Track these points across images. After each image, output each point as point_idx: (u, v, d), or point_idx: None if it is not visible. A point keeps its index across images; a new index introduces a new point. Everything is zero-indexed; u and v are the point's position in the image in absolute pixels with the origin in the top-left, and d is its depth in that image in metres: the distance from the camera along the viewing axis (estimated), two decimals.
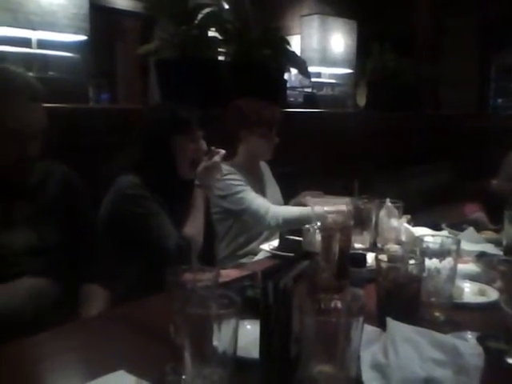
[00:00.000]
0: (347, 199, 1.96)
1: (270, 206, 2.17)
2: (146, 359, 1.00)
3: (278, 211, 2.17)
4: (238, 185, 2.20)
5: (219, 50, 2.94)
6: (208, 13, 2.83)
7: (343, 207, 1.91)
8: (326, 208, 2.02)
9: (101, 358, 1.00)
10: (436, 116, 4.81)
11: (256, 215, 2.16)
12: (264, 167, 2.49)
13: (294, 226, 2.13)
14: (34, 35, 2.31)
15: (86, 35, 2.40)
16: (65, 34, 2.35)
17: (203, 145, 1.85)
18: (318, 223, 1.39)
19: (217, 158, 1.84)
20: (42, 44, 2.37)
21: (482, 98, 5.49)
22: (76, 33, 2.35)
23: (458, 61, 5.19)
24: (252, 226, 2.20)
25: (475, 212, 2.48)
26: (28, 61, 2.36)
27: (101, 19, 3.87)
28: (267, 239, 2.09)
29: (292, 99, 4.84)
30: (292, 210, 2.19)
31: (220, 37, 2.91)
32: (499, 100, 5.71)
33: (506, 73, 5.64)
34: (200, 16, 2.76)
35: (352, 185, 2.08)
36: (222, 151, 1.87)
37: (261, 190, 2.37)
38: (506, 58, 5.53)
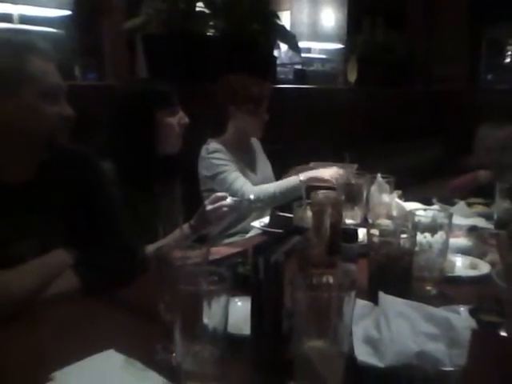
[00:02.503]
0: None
1: (247, 189, 2.12)
2: (135, 338, 0.99)
3: (254, 191, 2.11)
4: (222, 164, 2.16)
5: (207, 24, 2.88)
6: None
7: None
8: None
9: (89, 338, 0.99)
10: (427, 91, 4.78)
11: (235, 196, 2.13)
12: (256, 144, 2.46)
13: (271, 204, 2.12)
14: (16, 10, 2.25)
15: (69, 10, 2.34)
16: (47, 9, 2.29)
17: (184, 118, 1.79)
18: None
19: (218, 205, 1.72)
20: (23, 19, 2.31)
21: (473, 73, 5.46)
22: (59, 7, 2.30)
23: (448, 36, 5.15)
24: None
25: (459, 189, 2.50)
26: None
27: None
28: (258, 217, 2.08)
29: (282, 76, 4.78)
30: (267, 190, 2.14)
31: (208, 11, 2.85)
32: (490, 75, 5.69)
33: (497, 48, 5.61)
34: None
35: (343, 158, 2.08)
36: (227, 199, 1.75)
37: (251, 166, 2.35)
38: (497, 33, 5.50)
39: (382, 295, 0.92)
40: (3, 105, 1.18)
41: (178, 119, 1.76)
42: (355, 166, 2.04)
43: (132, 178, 1.64)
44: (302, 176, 2.14)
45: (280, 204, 2.10)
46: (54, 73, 1.25)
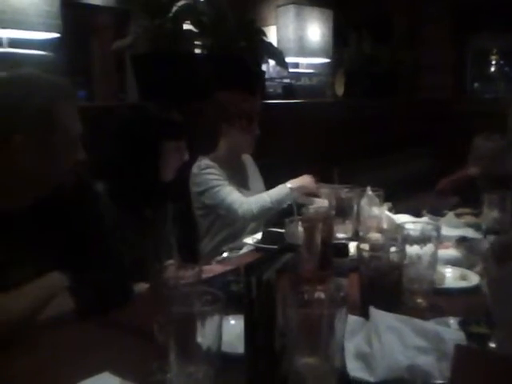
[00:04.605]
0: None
1: (243, 200, 2.17)
2: (130, 359, 1.00)
3: (250, 203, 2.17)
4: (214, 179, 2.18)
5: (195, 42, 2.92)
6: (182, 5, 2.80)
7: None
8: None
9: (85, 361, 0.99)
10: (415, 102, 4.84)
11: (229, 210, 2.16)
12: (248, 160, 2.48)
13: (267, 213, 2.17)
14: (5, 34, 2.27)
15: (58, 33, 2.36)
16: (37, 32, 2.31)
17: (186, 153, 1.78)
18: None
19: None
20: (13, 42, 2.32)
21: (459, 83, 5.54)
22: (48, 30, 2.32)
23: (434, 46, 5.22)
24: (231, 220, 2.20)
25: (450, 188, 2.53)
26: None
27: (73, 15, 3.81)
28: (252, 233, 2.09)
29: (271, 90, 4.82)
30: (263, 199, 2.19)
31: (195, 29, 2.88)
32: (476, 84, 5.77)
33: (483, 57, 5.69)
34: (174, 9, 2.73)
35: (332, 173, 2.10)
36: None
37: (243, 183, 2.37)
38: (482, 43, 5.58)
39: (372, 310, 0.94)
40: (27, 147, 1.18)
41: (180, 152, 1.76)
42: (347, 187, 2.07)
43: (126, 201, 1.64)
44: (290, 183, 2.25)
45: (274, 212, 2.18)
46: (78, 119, 1.27)
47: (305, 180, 2.27)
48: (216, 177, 2.19)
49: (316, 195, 2.22)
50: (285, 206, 2.20)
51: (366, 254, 1.16)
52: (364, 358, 0.85)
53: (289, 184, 2.24)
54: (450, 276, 1.40)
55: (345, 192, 1.93)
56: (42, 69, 1.32)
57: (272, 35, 4.21)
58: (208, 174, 2.19)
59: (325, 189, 2.14)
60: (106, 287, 1.26)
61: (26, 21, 2.17)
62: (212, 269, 1.52)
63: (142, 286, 1.37)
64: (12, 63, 2.31)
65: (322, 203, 2.07)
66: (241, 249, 2.02)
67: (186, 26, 2.87)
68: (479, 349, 0.88)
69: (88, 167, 1.47)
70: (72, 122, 1.25)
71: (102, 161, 1.70)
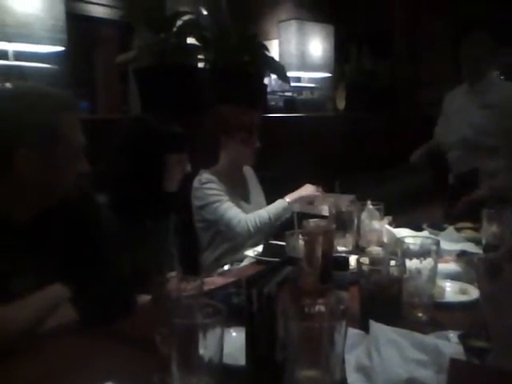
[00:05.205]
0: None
1: (242, 217, 2.17)
2: (132, 371, 1.00)
3: (248, 220, 2.17)
4: (214, 194, 2.19)
5: (198, 56, 2.96)
6: (186, 20, 2.85)
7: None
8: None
9: (86, 372, 1.00)
10: (414, 116, 4.87)
11: (228, 226, 2.16)
12: (249, 172, 2.49)
13: (267, 229, 2.17)
14: (11, 47, 2.30)
15: (63, 46, 2.39)
16: (42, 46, 2.34)
17: (188, 166, 1.79)
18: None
19: None
20: (18, 56, 2.36)
21: None
22: (53, 44, 2.34)
23: (433, 61, 5.27)
24: (231, 235, 2.21)
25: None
26: (5, 73, 2.35)
27: (78, 28, 3.85)
28: (253, 245, 2.10)
29: (273, 103, 4.87)
30: (261, 215, 2.20)
31: (198, 44, 2.92)
32: None
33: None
34: (178, 23, 2.77)
35: (333, 186, 2.12)
36: None
37: (244, 196, 2.38)
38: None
39: (372, 323, 0.95)
40: (31, 159, 1.20)
41: (182, 164, 1.77)
42: (351, 196, 2.09)
43: (128, 213, 1.65)
44: (288, 197, 2.26)
45: (273, 227, 2.18)
46: (80, 131, 1.29)
47: (305, 190, 2.28)
48: (216, 192, 2.20)
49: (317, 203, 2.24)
50: (283, 220, 2.21)
51: (365, 268, 1.17)
52: (364, 370, 0.85)
53: (287, 198, 2.25)
54: (450, 290, 1.41)
55: (346, 203, 1.95)
56: (46, 81, 1.34)
57: (274, 49, 4.26)
58: (208, 188, 2.20)
59: (329, 197, 2.15)
60: (108, 299, 1.27)
61: (31, 35, 2.20)
62: (213, 281, 1.53)
63: (144, 298, 1.38)
64: (18, 76, 2.34)
65: (324, 210, 2.09)
66: (242, 261, 2.03)
67: (190, 40, 2.91)
68: (474, 363, 0.89)
69: (90, 179, 1.49)
70: (75, 134, 1.27)
71: (104, 173, 1.72)
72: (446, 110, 3.09)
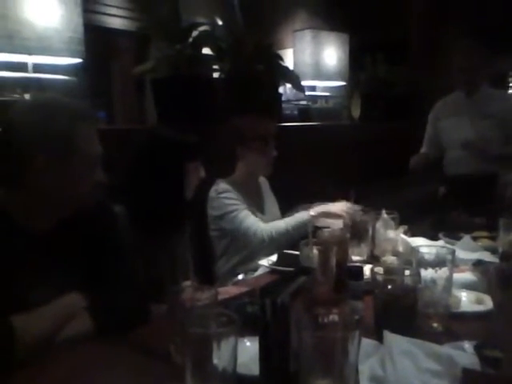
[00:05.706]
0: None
1: (259, 226, 2.15)
2: (147, 379, 1.01)
3: (266, 229, 2.15)
4: (232, 204, 2.20)
5: (213, 67, 2.98)
6: (202, 31, 2.88)
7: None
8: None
9: (102, 380, 1.01)
10: None
11: (245, 235, 2.16)
12: (263, 182, 2.50)
13: (284, 241, 2.15)
14: (30, 60, 2.35)
15: (81, 58, 2.43)
16: (60, 58, 2.38)
17: (203, 173, 1.81)
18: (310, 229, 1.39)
19: None
20: (37, 68, 2.40)
21: None
22: (71, 56, 2.38)
23: (449, 69, 5.24)
24: (246, 243, 2.20)
25: None
26: (24, 85, 2.39)
27: (95, 40, 3.92)
28: (268, 255, 2.10)
29: (288, 112, 4.88)
30: (279, 226, 2.17)
31: (214, 54, 2.95)
32: None
33: (498, 80, 5.68)
34: (194, 34, 2.81)
35: (349, 195, 2.11)
36: None
37: (259, 205, 2.38)
38: (499, 65, 5.58)
39: (386, 334, 0.94)
40: (48, 169, 1.22)
41: (198, 173, 1.79)
42: (359, 207, 2.07)
43: (143, 222, 1.67)
44: (313, 211, 2.18)
45: (292, 240, 2.11)
46: (97, 141, 1.31)
47: (335, 206, 2.14)
48: (233, 201, 2.21)
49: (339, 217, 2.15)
50: (303, 232, 2.17)
51: (380, 278, 1.17)
52: (378, 381, 0.85)
53: (312, 212, 2.17)
54: (466, 300, 1.39)
55: (360, 213, 1.94)
56: (64, 93, 1.36)
57: (289, 58, 4.28)
58: (225, 198, 2.21)
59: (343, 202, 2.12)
60: (123, 308, 1.28)
61: (50, 47, 2.24)
62: (227, 290, 1.53)
63: (158, 307, 1.39)
64: (37, 88, 2.38)
65: (337, 224, 2.03)
66: (256, 270, 2.03)
67: (205, 50, 2.94)
68: (487, 373, 0.88)
69: (107, 189, 1.51)
70: (92, 144, 1.29)
71: (120, 182, 1.74)
72: (438, 115, 3.20)
